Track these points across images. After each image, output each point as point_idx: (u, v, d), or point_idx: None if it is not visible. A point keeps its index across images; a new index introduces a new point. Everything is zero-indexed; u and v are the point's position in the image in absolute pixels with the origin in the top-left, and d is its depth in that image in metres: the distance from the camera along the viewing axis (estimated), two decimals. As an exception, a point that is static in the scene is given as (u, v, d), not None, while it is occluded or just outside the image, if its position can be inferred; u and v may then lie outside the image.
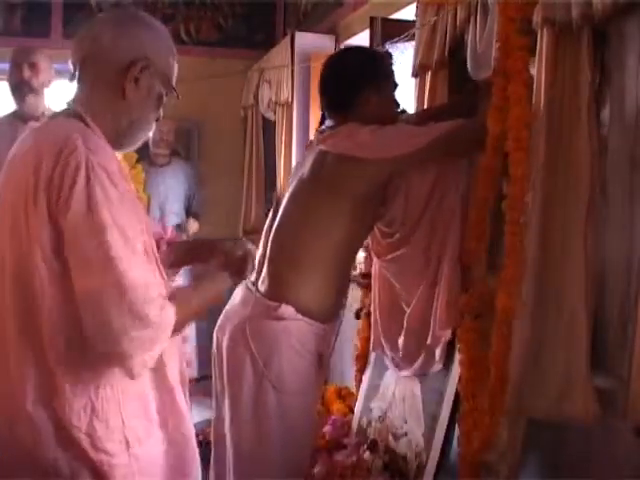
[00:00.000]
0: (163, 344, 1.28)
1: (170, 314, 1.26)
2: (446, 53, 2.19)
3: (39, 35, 4.96)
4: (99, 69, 1.36)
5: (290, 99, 3.96)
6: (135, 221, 1.28)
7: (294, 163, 4.02)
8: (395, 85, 2.08)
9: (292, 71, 3.94)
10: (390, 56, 2.51)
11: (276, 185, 4.27)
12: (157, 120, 1.46)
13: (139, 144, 1.46)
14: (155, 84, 1.39)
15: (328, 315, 1.96)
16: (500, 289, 1.61)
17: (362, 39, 3.41)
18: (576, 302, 1.59)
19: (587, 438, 1.64)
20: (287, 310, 1.88)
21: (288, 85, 3.99)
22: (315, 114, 3.94)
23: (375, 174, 1.89)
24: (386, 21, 2.74)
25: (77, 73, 1.38)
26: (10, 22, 4.94)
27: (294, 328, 1.90)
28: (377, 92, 2.00)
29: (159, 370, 1.37)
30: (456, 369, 1.83)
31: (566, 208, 1.62)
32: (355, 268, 3.42)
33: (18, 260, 1.27)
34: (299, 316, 1.89)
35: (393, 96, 2.06)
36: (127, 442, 1.30)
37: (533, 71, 1.66)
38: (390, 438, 2.12)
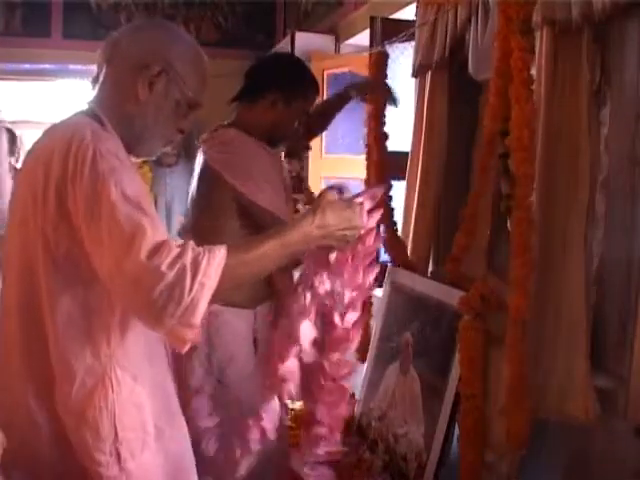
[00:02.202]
0: (200, 295, 1.16)
1: (187, 258, 1.16)
2: (446, 53, 2.19)
3: (39, 35, 4.96)
4: (117, 72, 1.36)
5: (290, 99, 3.95)
6: (148, 201, 1.25)
7: (294, 162, 4.02)
8: (305, 113, 2.12)
9: (292, 71, 3.94)
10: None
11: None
12: (182, 132, 1.43)
13: (157, 152, 1.43)
14: (173, 90, 1.36)
15: (255, 300, 2.02)
16: (511, 289, 1.60)
17: (362, 39, 3.41)
18: (576, 302, 1.59)
19: (587, 438, 1.64)
20: (214, 307, 1.93)
21: (288, 85, 3.98)
22: (315, 114, 3.94)
23: (241, 203, 1.93)
24: (386, 21, 2.73)
25: (99, 76, 1.38)
26: (10, 22, 4.95)
27: (225, 320, 1.97)
28: (285, 102, 2.04)
29: (158, 378, 1.36)
30: (456, 369, 1.83)
31: (566, 208, 1.62)
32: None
33: (24, 252, 1.28)
34: (229, 308, 1.95)
35: (295, 119, 2.10)
36: (118, 455, 1.27)
37: (533, 71, 1.65)
38: (390, 438, 2.12)
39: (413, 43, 2.42)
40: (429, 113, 2.34)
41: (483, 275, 1.87)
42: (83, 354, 1.26)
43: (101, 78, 1.38)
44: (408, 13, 2.79)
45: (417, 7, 2.40)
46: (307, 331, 1.49)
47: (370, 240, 1.46)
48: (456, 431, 1.82)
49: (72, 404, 1.25)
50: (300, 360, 1.52)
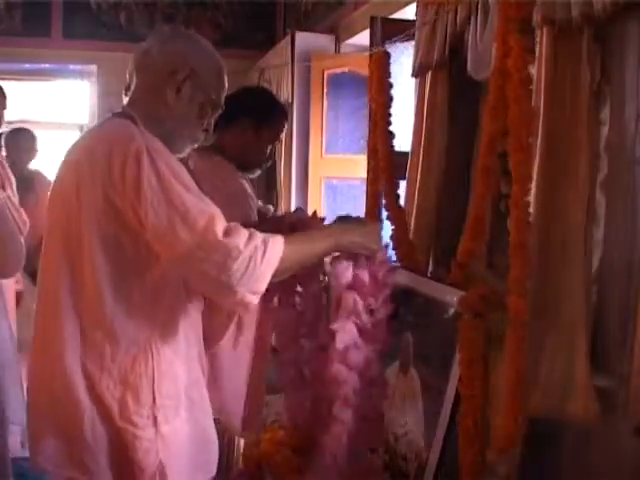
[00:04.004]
0: (267, 269, 1.36)
1: (258, 239, 1.36)
2: (446, 53, 2.19)
3: (39, 35, 4.96)
4: (147, 77, 1.49)
5: (290, 99, 3.96)
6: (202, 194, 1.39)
7: (294, 163, 4.03)
8: (274, 142, 2.31)
9: (292, 71, 3.94)
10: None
11: (276, 184, 4.27)
12: (206, 131, 1.58)
13: (186, 151, 1.57)
14: (197, 95, 1.50)
15: None
16: (510, 290, 1.60)
17: (362, 39, 3.41)
18: (576, 302, 1.59)
19: (587, 438, 1.64)
20: None
21: (288, 85, 3.99)
22: (316, 114, 3.94)
23: None
24: (386, 21, 2.73)
25: (131, 84, 1.52)
26: (10, 22, 4.95)
27: None
28: (255, 130, 2.23)
29: (192, 353, 1.48)
30: (456, 369, 1.83)
31: (566, 208, 1.62)
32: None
33: (67, 239, 1.38)
34: None
35: (265, 147, 2.29)
36: (155, 419, 1.39)
37: (533, 71, 1.65)
38: (390, 438, 2.12)
39: (413, 43, 2.42)
40: (429, 113, 2.34)
41: (483, 275, 1.87)
42: (127, 329, 1.37)
43: (132, 85, 1.51)
44: (408, 13, 2.79)
45: (417, 7, 2.40)
46: (346, 338, 1.73)
47: (382, 255, 1.78)
48: (456, 431, 1.82)
49: (116, 368, 1.36)
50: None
